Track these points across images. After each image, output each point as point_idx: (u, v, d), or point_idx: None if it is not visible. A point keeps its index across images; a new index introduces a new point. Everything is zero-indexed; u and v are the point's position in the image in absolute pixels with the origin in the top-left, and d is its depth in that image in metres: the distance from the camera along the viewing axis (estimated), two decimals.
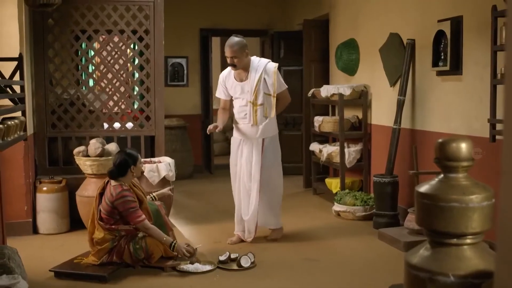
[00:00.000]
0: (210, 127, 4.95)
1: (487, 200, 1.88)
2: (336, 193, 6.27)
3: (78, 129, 5.85)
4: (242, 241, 5.11)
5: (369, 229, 5.46)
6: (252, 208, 4.99)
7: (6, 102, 4.10)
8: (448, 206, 1.87)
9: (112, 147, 5.45)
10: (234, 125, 5.15)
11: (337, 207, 5.99)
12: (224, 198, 7.11)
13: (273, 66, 4.97)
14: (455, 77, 4.83)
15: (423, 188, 1.96)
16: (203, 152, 9.34)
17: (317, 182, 7.20)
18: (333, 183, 6.58)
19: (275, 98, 4.97)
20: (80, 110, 5.84)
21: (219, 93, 5.18)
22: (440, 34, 4.94)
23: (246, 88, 4.96)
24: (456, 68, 4.77)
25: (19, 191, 5.26)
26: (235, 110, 5.13)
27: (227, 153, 11.32)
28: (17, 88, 3.94)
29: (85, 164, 5.33)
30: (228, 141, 11.56)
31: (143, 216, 4.28)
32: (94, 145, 5.36)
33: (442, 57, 4.96)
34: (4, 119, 3.51)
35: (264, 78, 4.93)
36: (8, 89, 3.79)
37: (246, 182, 5.04)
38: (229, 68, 5.07)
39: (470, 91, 4.64)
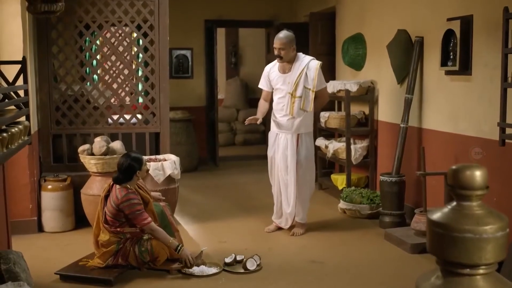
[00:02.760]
0: (250, 118, 5.21)
1: (501, 230, 1.84)
2: (342, 190, 6.24)
3: (83, 126, 5.81)
4: (279, 229, 5.40)
5: (376, 229, 5.43)
6: (291, 202, 5.23)
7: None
8: (461, 236, 1.82)
9: (117, 145, 5.41)
10: (272, 119, 5.34)
11: (343, 204, 5.95)
12: (229, 193, 7.10)
13: (316, 63, 5.18)
14: (464, 77, 4.76)
15: (436, 215, 1.91)
16: (208, 144, 9.30)
17: (322, 177, 7.16)
18: (339, 180, 6.53)
19: (313, 93, 5.13)
20: (84, 107, 5.80)
21: (262, 84, 5.41)
22: (449, 33, 4.86)
23: (288, 80, 5.18)
24: (465, 68, 4.70)
25: (24, 189, 5.23)
26: (274, 103, 5.35)
27: (232, 143, 11.39)
28: (20, 92, 3.89)
29: (90, 163, 5.30)
30: (233, 132, 11.53)
31: (149, 218, 4.25)
32: (99, 143, 5.32)
33: (451, 56, 4.89)
34: (7, 125, 3.45)
35: (306, 73, 5.11)
36: (12, 92, 3.74)
37: (283, 175, 5.25)
38: (274, 61, 5.31)
39: (479, 93, 4.57)
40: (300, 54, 5.25)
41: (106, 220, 4.29)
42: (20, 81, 3.90)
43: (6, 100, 3.53)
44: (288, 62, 5.19)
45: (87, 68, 6.01)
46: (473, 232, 1.82)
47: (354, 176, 6.42)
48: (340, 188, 6.45)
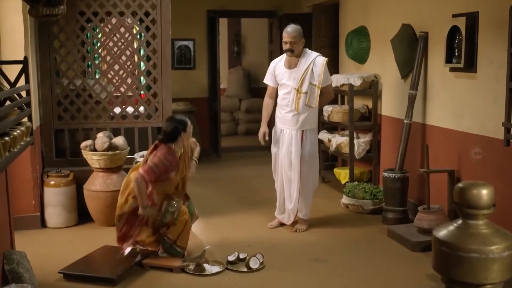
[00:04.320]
0: (260, 136, 5.33)
1: (508, 250, 1.82)
2: (345, 184, 6.22)
3: (85, 121, 5.78)
4: (282, 224, 5.42)
5: (378, 225, 5.42)
6: (294, 198, 5.24)
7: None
8: (467, 256, 1.81)
9: (119, 140, 5.40)
10: (276, 114, 5.35)
11: (346, 200, 5.94)
12: (232, 187, 7.09)
13: (322, 59, 5.17)
14: (469, 74, 4.71)
15: (441, 233, 1.90)
16: (210, 135, 9.28)
17: (325, 171, 7.14)
18: (342, 174, 6.52)
19: (319, 90, 5.13)
20: (86, 101, 5.76)
21: (267, 80, 5.41)
22: (454, 30, 4.81)
23: (294, 75, 5.16)
24: (470, 65, 4.65)
25: (26, 185, 5.22)
26: (278, 98, 5.33)
27: (234, 133, 11.37)
28: (22, 92, 3.86)
29: (92, 159, 5.29)
30: (235, 122, 11.51)
31: (149, 178, 4.28)
32: (101, 139, 5.31)
33: (456, 53, 4.84)
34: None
35: (312, 68, 5.10)
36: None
37: (287, 171, 5.25)
38: (280, 56, 5.34)
39: (484, 91, 4.53)
40: (307, 50, 5.23)
41: None
42: (21, 81, 3.88)
43: (8, 101, 3.51)
44: (296, 56, 5.17)
45: (89, 62, 5.97)
46: (479, 252, 1.81)
47: (357, 171, 6.41)
48: (343, 182, 6.44)
